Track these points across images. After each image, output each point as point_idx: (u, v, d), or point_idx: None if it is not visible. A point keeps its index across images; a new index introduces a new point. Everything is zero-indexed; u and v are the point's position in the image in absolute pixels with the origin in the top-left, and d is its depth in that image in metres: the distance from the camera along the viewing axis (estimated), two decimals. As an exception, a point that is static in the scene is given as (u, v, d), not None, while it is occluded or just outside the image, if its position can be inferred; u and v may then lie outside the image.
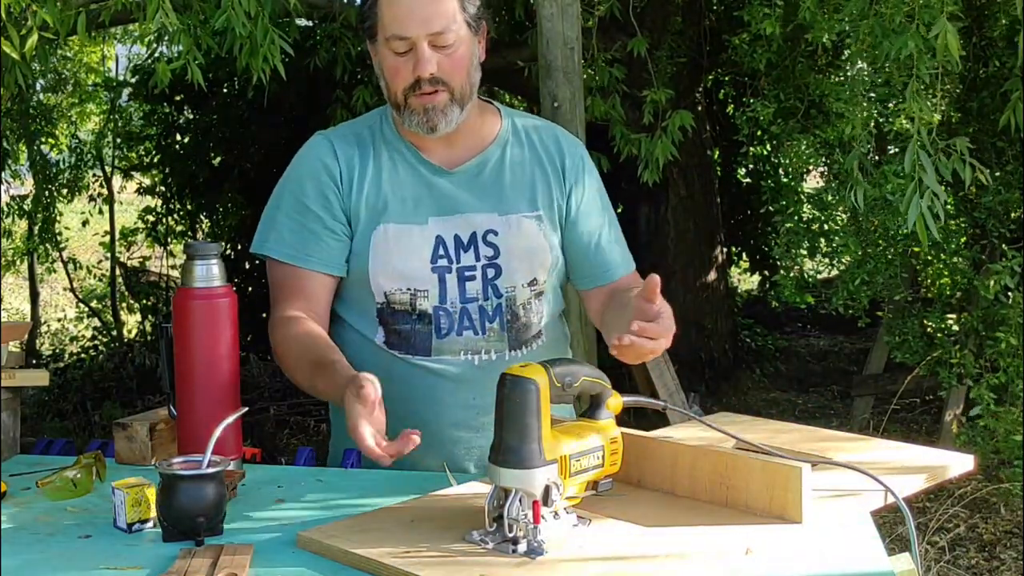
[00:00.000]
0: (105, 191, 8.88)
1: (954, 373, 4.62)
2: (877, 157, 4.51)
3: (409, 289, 1.89)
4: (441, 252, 1.90)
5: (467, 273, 1.91)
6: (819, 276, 5.68)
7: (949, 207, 4.80)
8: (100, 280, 9.36)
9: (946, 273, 4.67)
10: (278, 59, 3.29)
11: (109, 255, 8.98)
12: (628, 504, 1.55)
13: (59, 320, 9.51)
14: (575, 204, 1.99)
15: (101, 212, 8.84)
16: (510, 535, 1.39)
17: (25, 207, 8.54)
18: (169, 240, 8.48)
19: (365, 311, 1.93)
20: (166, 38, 3.45)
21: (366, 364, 1.84)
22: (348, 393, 1.56)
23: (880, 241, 4.55)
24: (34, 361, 7.87)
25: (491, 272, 1.92)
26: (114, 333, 8.63)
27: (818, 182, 5.47)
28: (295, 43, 4.80)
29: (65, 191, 8.64)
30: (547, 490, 1.40)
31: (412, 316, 1.90)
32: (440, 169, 1.92)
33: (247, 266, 8.03)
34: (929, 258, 4.74)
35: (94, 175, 8.95)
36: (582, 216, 1.99)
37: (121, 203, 9.30)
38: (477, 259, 1.91)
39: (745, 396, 6.54)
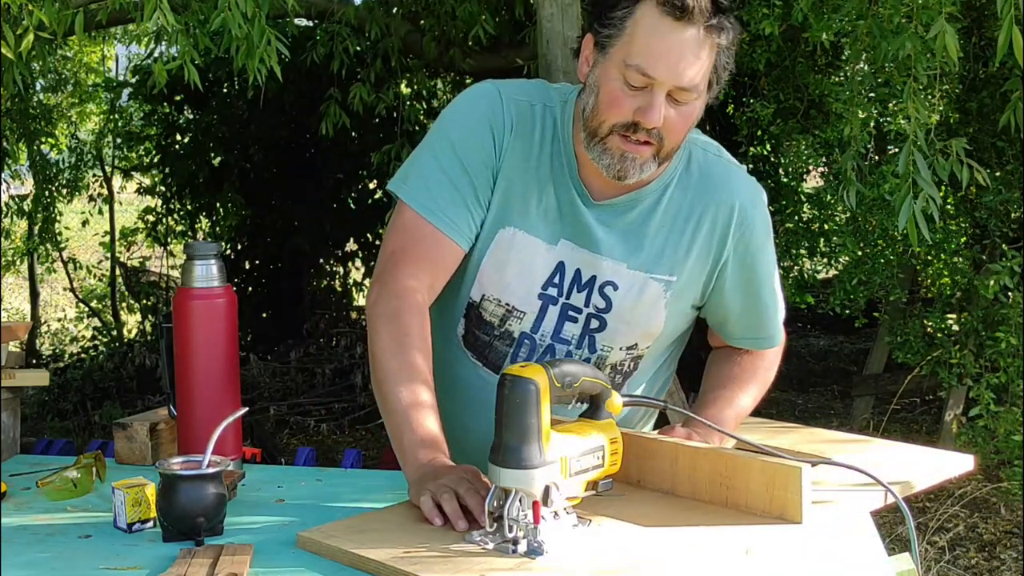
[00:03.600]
0: (105, 191, 8.88)
1: (954, 373, 4.62)
2: (876, 157, 4.51)
3: (507, 304, 1.76)
4: (556, 280, 1.75)
5: (571, 313, 1.76)
6: (819, 276, 5.68)
7: (949, 207, 4.80)
8: (100, 280, 9.36)
9: (946, 273, 4.67)
10: (275, 60, 3.28)
11: (109, 255, 8.98)
12: (628, 504, 1.55)
13: (59, 320, 9.51)
14: (726, 277, 1.79)
15: (101, 212, 8.84)
16: (510, 535, 1.39)
17: (25, 207, 8.54)
18: (169, 240, 8.48)
19: (456, 302, 1.79)
20: (164, 39, 3.45)
21: (436, 349, 1.77)
22: (461, 475, 1.50)
23: (879, 242, 4.55)
24: (34, 361, 7.87)
25: (594, 323, 1.77)
26: (114, 333, 8.63)
27: (818, 182, 5.47)
28: (294, 41, 4.80)
29: (65, 191, 8.64)
30: (547, 490, 1.39)
31: (496, 331, 1.78)
32: (587, 197, 1.73)
33: (247, 266, 8.03)
34: (929, 258, 4.74)
35: (94, 175, 8.95)
36: (728, 290, 1.80)
37: (121, 203, 9.30)
38: (587, 304, 1.76)
39: (745, 396, 6.53)
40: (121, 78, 9.04)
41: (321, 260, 8.13)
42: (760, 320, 1.86)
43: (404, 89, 5.90)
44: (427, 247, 1.71)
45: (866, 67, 3.82)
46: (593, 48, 1.67)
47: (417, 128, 5.86)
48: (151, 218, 8.46)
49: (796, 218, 4.93)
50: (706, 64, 1.61)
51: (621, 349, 1.80)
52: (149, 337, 8.03)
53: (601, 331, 1.78)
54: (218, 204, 8.11)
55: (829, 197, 4.66)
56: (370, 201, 7.83)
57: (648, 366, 1.88)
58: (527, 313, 1.77)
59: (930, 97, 3.37)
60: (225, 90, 7.75)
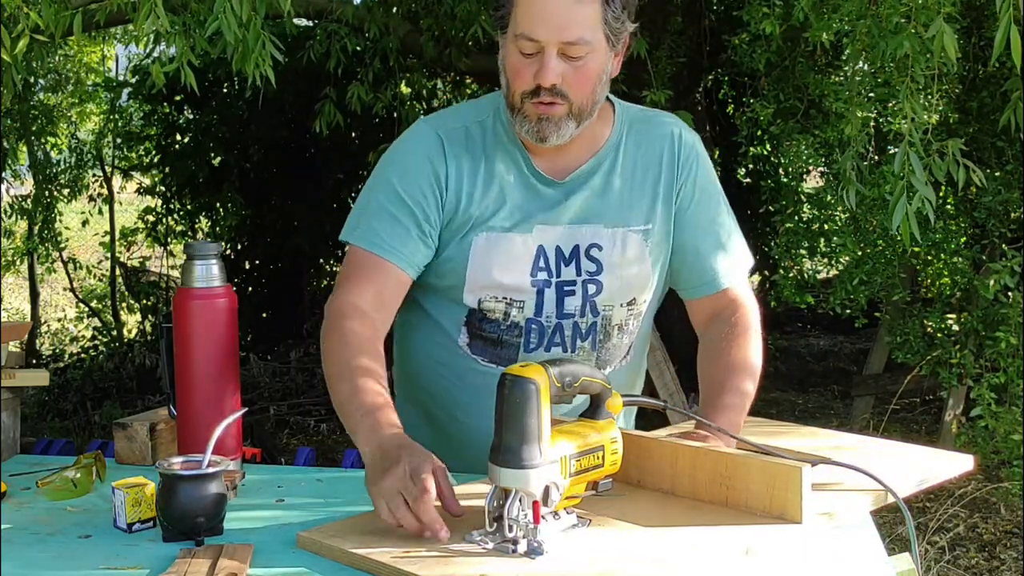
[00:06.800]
0: (105, 191, 8.88)
1: (954, 373, 4.62)
2: (876, 157, 4.52)
3: (505, 298, 1.81)
4: (542, 264, 1.81)
5: (567, 288, 1.82)
6: (819, 276, 5.67)
7: (949, 207, 4.80)
8: (100, 280, 9.36)
9: (946, 273, 4.67)
10: (269, 65, 3.28)
11: (109, 255, 8.98)
12: (628, 504, 1.55)
13: (59, 320, 9.50)
14: (682, 210, 1.87)
15: (101, 212, 8.84)
16: (510, 535, 1.39)
17: (25, 207, 8.54)
18: (169, 240, 8.49)
19: (453, 313, 1.85)
20: (162, 40, 3.44)
21: (441, 364, 1.85)
22: (423, 464, 1.44)
23: (880, 242, 4.55)
24: (34, 361, 7.87)
25: (591, 288, 1.83)
26: (114, 333, 8.63)
27: (817, 182, 5.47)
28: (293, 41, 4.79)
29: (65, 191, 8.64)
30: (547, 490, 1.39)
31: (502, 326, 1.83)
32: (549, 179, 1.81)
33: (247, 266, 8.04)
34: (929, 258, 4.74)
35: (94, 175, 8.95)
36: (688, 222, 1.87)
37: (121, 203, 9.30)
38: (578, 273, 1.82)
39: (745, 396, 6.54)
40: (121, 78, 9.04)
41: (321, 260, 8.13)
42: (727, 243, 1.90)
43: (403, 89, 5.91)
44: (367, 270, 1.78)
45: (865, 67, 3.83)
46: (499, 35, 1.76)
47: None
48: (151, 218, 8.46)
49: (796, 218, 4.93)
50: (590, 17, 1.67)
51: (622, 306, 1.86)
52: (149, 337, 8.03)
53: (599, 293, 1.83)
54: (218, 204, 8.11)
55: (829, 197, 4.66)
56: (370, 201, 7.82)
57: (645, 325, 1.95)
58: (526, 301, 1.81)
59: (929, 97, 3.37)
60: (225, 90, 7.76)
